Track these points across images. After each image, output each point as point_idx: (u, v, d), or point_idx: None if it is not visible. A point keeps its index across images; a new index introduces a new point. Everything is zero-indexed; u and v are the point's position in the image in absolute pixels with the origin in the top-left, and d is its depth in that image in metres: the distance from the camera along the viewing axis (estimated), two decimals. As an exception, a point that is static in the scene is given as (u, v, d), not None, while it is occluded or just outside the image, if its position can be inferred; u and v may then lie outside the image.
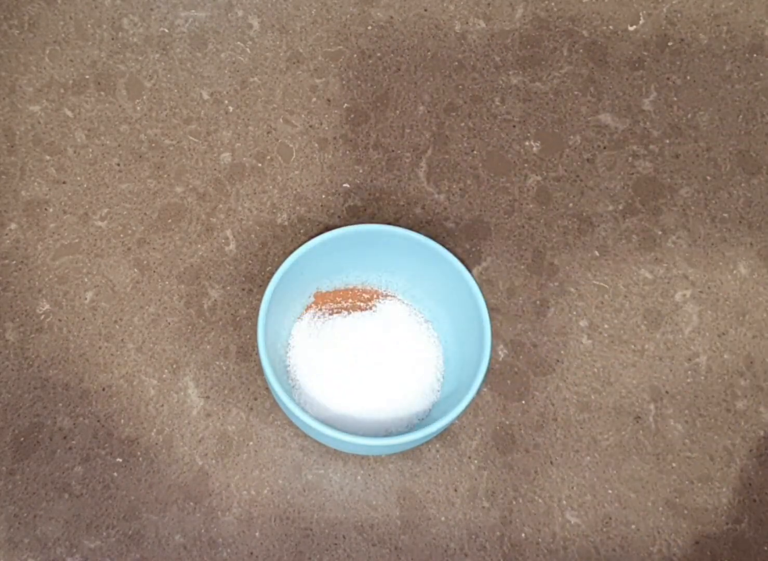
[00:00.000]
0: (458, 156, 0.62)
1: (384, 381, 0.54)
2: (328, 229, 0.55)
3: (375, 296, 0.57)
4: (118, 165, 0.61)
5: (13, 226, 0.59)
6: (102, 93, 0.62)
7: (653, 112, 0.63)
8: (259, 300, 0.51)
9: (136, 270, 0.58)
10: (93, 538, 0.53)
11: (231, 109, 0.62)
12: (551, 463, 0.55)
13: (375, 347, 0.54)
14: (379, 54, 0.64)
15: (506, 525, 0.53)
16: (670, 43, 0.65)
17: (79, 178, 0.60)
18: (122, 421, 0.55)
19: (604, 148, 0.62)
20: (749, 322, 0.58)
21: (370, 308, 0.56)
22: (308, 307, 0.56)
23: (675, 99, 0.63)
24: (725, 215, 0.61)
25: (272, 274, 0.51)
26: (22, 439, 0.54)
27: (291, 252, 0.51)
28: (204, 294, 0.58)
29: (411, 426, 0.53)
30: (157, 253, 0.59)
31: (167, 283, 0.58)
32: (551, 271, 0.59)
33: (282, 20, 0.65)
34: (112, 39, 0.64)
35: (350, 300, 0.57)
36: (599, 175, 0.61)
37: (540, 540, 0.53)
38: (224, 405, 0.55)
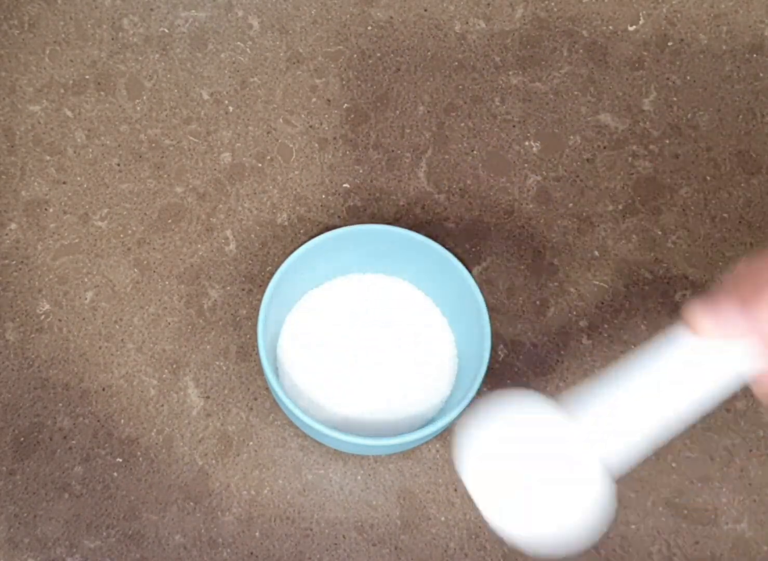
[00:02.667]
0: (458, 156, 0.62)
1: (385, 381, 0.54)
2: (328, 229, 0.55)
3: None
4: (118, 165, 0.61)
5: (13, 226, 0.59)
6: (102, 93, 0.62)
7: (653, 112, 0.63)
8: (259, 300, 0.51)
9: (136, 270, 0.58)
10: (93, 538, 0.53)
11: (231, 109, 0.62)
12: (551, 463, 0.55)
13: (377, 346, 0.54)
14: (379, 54, 0.64)
15: (506, 525, 0.53)
16: (670, 43, 0.65)
17: (79, 178, 0.60)
18: (122, 421, 0.55)
19: (604, 148, 0.62)
20: (749, 322, 0.58)
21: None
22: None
23: (675, 99, 0.63)
24: (725, 215, 0.61)
25: (272, 274, 0.51)
26: (22, 439, 0.54)
27: (291, 252, 0.51)
28: (204, 294, 0.58)
29: (412, 426, 0.53)
30: (157, 253, 0.59)
31: (167, 283, 0.58)
32: (551, 271, 0.59)
33: (282, 20, 0.65)
34: (112, 39, 0.64)
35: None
36: (599, 175, 0.61)
37: (540, 540, 0.53)
38: (224, 405, 0.55)
